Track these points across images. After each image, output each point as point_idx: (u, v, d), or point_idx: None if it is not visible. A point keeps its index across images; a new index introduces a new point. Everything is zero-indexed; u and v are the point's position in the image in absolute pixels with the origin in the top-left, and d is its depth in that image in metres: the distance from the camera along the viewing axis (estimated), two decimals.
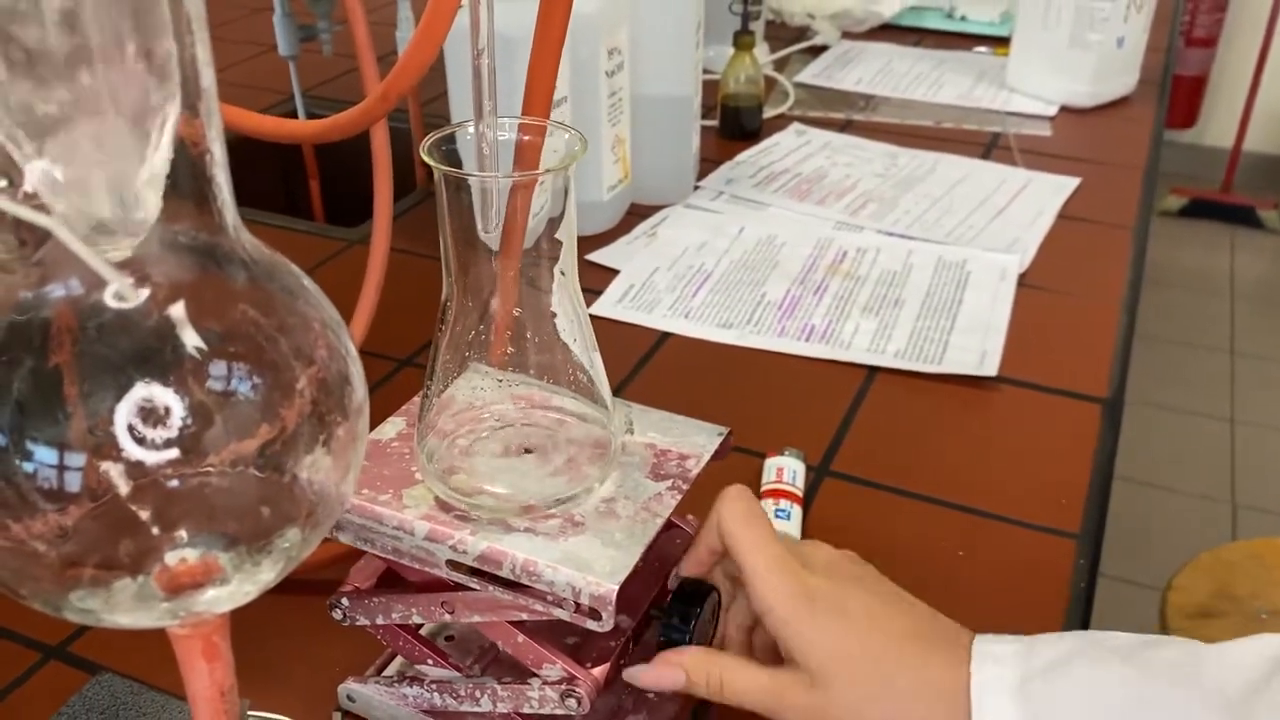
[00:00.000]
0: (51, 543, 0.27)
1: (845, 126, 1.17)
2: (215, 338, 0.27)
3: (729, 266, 0.89)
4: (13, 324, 0.26)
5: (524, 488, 0.47)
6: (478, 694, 0.48)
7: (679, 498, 0.48)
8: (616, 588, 0.43)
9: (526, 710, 0.47)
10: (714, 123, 1.13)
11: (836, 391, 0.74)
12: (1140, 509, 1.91)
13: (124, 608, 0.28)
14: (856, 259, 0.90)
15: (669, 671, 0.47)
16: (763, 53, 1.31)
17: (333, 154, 1.18)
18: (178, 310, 0.26)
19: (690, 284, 0.87)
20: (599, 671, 0.46)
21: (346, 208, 1.16)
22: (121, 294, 0.24)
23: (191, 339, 0.26)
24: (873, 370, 0.76)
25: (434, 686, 0.50)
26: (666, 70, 0.95)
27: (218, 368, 0.27)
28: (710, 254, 0.91)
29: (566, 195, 0.45)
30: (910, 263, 0.89)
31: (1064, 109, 1.19)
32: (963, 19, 1.44)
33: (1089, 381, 0.74)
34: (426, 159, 0.42)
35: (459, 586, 0.47)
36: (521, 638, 0.46)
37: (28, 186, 0.23)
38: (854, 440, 0.70)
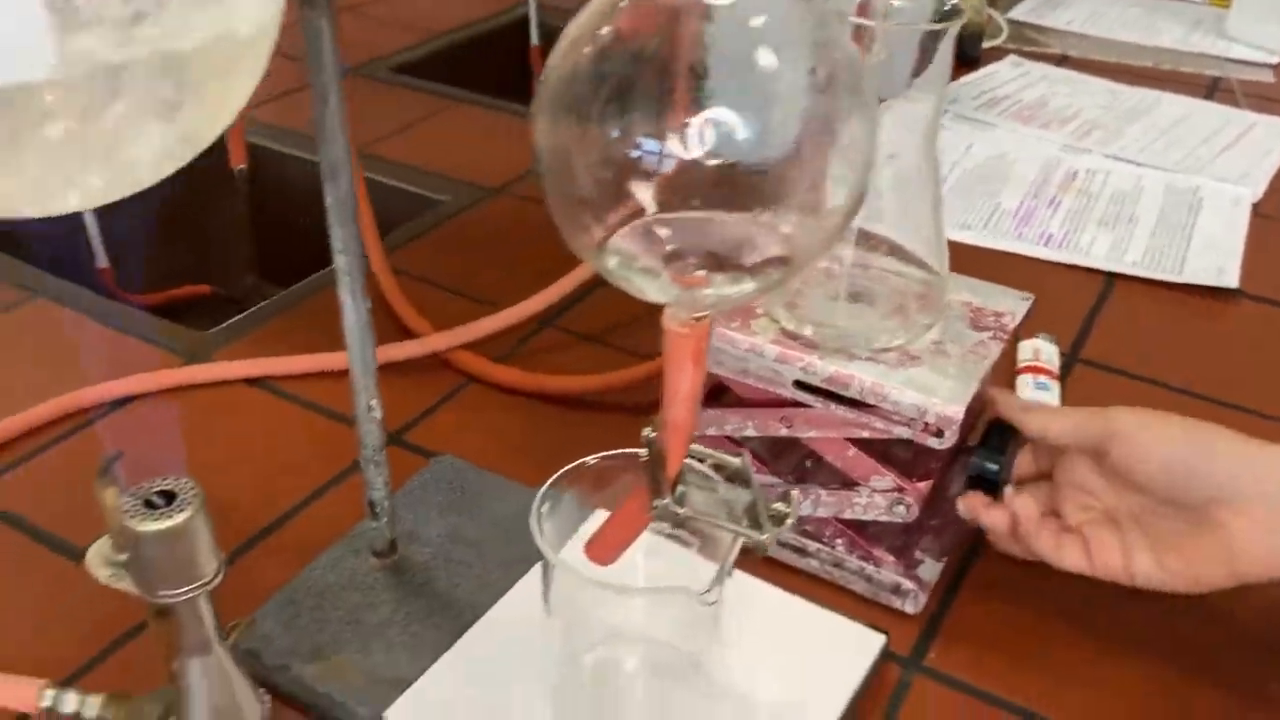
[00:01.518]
0: (603, 222, 0.33)
1: (1061, 62, 1.19)
2: (783, 64, 0.32)
3: (962, 175, 0.94)
4: (628, 30, 0.32)
5: (863, 324, 0.53)
6: (801, 499, 0.55)
7: (1001, 346, 0.53)
8: (963, 409, 0.49)
9: (848, 515, 0.54)
10: None
11: (1078, 292, 0.79)
12: None
13: (643, 284, 0.35)
14: (1087, 179, 0.93)
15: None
16: None
17: None
18: (757, 23, 0.32)
19: None
20: (924, 485, 0.52)
21: None
22: None
23: (766, 58, 0.32)
24: (1111, 276, 0.80)
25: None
26: None
27: (773, 94, 0.33)
28: (942, 165, 0.95)
29: (937, 50, 0.49)
30: (1141, 186, 0.92)
31: None
32: None
33: None
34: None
35: (798, 404, 0.53)
36: (854, 451, 0.52)
37: None
38: (1099, 336, 0.74)
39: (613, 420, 0.66)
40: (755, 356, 0.52)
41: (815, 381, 0.51)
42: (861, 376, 0.50)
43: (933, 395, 0.49)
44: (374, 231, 0.78)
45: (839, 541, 0.55)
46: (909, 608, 0.54)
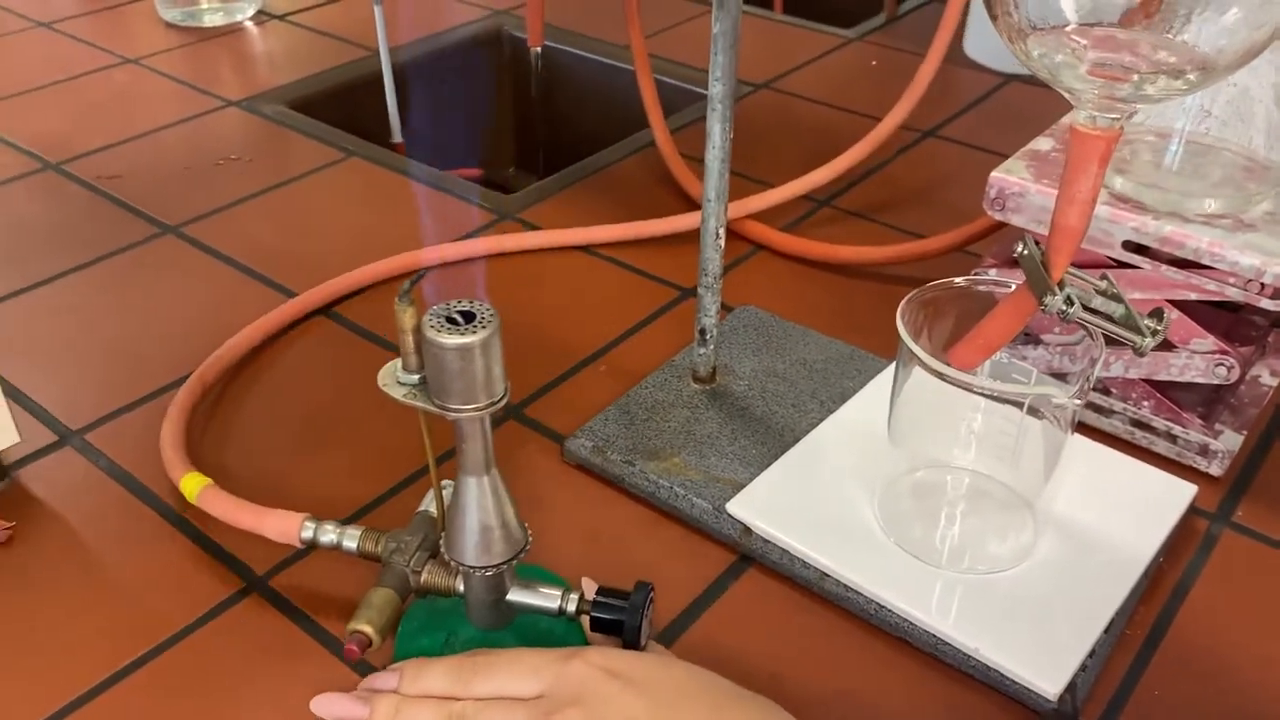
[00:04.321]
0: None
1: None
2: None
3: None
4: None
5: (1191, 190, 0.54)
6: (1111, 358, 0.56)
7: None
8: None
9: (1161, 377, 0.55)
10: None
11: None
12: None
13: (1062, 74, 0.38)
14: None
15: None
16: None
17: None
18: None
19: None
20: (1246, 350, 0.53)
21: None
22: None
23: None
24: None
25: (1059, 349, 0.58)
26: None
27: None
28: None
29: None
30: None
31: None
32: None
33: None
34: None
35: (1123, 265, 0.54)
36: (1176, 314, 0.54)
37: None
38: None
39: (891, 291, 0.69)
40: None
41: (1147, 241, 0.53)
42: (1199, 237, 0.52)
43: (1273, 257, 0.50)
44: (659, 113, 0.83)
45: (1146, 403, 0.56)
46: (1215, 469, 0.55)
